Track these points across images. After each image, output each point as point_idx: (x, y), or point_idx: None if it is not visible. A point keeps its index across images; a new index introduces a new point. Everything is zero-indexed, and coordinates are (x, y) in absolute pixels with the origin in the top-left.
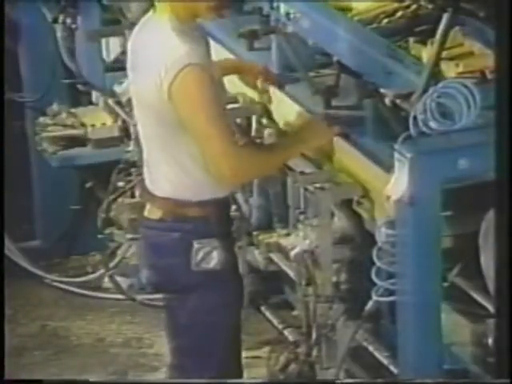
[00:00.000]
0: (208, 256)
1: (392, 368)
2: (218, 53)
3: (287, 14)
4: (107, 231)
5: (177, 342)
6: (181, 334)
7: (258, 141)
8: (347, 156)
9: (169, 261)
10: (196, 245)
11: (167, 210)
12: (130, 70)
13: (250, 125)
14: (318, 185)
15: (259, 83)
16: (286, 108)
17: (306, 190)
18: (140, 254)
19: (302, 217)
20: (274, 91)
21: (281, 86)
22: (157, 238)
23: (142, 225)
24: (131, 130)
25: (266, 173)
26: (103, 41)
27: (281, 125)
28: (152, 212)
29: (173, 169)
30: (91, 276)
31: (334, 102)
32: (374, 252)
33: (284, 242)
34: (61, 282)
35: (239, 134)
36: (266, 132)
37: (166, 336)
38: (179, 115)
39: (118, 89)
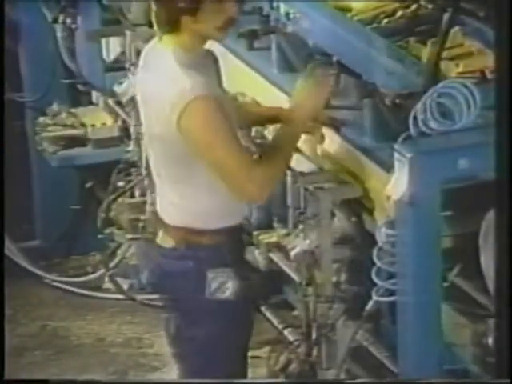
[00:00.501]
0: (223, 286)
1: (392, 368)
2: (219, 53)
3: (287, 14)
4: (107, 231)
5: (184, 364)
6: (190, 357)
7: (258, 141)
8: (347, 156)
9: (184, 288)
10: (210, 274)
11: (180, 239)
12: (140, 102)
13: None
14: (317, 185)
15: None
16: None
17: (306, 189)
18: (154, 280)
19: (302, 217)
20: (274, 92)
21: (335, 127)
22: (171, 266)
23: (156, 252)
24: (131, 130)
25: (283, 173)
26: (103, 41)
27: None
28: (165, 240)
29: (185, 198)
30: (91, 276)
31: (333, 102)
32: (375, 252)
33: (284, 241)
34: (61, 282)
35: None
36: (266, 132)
37: (173, 355)
38: (191, 147)
39: (118, 89)
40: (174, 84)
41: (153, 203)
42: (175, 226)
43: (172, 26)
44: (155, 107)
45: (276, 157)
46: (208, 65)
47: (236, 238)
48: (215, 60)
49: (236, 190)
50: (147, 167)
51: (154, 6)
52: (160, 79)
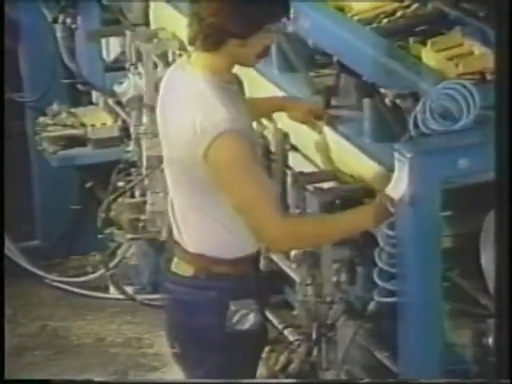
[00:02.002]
0: (244, 318)
1: (392, 368)
2: None
3: None
4: (107, 231)
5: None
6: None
7: (260, 140)
8: (347, 156)
9: (200, 320)
10: (233, 307)
11: (200, 267)
12: (161, 123)
13: None
14: (317, 185)
15: (309, 120)
16: None
17: (305, 189)
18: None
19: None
20: (274, 92)
21: (331, 124)
22: (188, 296)
23: (168, 280)
24: (131, 130)
25: (319, 243)
26: (103, 41)
27: (279, 124)
28: (181, 267)
29: (207, 226)
30: (91, 276)
31: (333, 102)
32: (376, 253)
33: None
34: (61, 282)
35: None
36: (265, 132)
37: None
38: (216, 179)
39: (118, 89)
40: (204, 111)
41: (153, 203)
42: (196, 253)
43: (215, 46)
44: (180, 130)
45: (318, 225)
46: (236, 90)
47: (257, 266)
48: (240, 83)
49: (254, 231)
50: (147, 167)
51: (197, 22)
52: (188, 102)
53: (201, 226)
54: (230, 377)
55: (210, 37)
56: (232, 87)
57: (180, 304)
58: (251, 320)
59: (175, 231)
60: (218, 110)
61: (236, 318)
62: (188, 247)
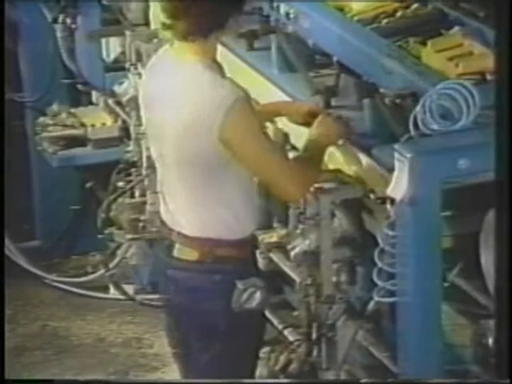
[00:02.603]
0: (251, 297)
1: (392, 368)
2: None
3: (287, 14)
4: (107, 231)
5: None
6: (199, 372)
7: None
8: (347, 156)
9: (207, 304)
10: (240, 285)
11: (205, 251)
12: (150, 113)
13: None
14: (317, 185)
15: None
16: None
17: None
18: (167, 295)
19: (302, 217)
20: (273, 92)
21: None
22: (193, 281)
23: (171, 267)
24: (131, 130)
25: (318, 178)
26: (103, 41)
27: (279, 124)
28: (185, 253)
29: (211, 209)
30: (91, 276)
31: (333, 102)
32: (376, 253)
33: (284, 242)
34: (61, 282)
35: None
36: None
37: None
38: (233, 151)
39: (118, 89)
40: (211, 89)
41: (153, 204)
42: (199, 237)
43: (201, 36)
44: (189, 120)
45: (312, 158)
46: (222, 71)
47: (254, 247)
48: (221, 67)
49: (277, 188)
50: (147, 167)
51: (182, 17)
52: (189, 88)
53: (204, 209)
54: (232, 361)
55: (196, 29)
56: (220, 69)
57: (185, 289)
58: (258, 298)
59: (171, 219)
60: (222, 83)
61: (244, 296)
62: (189, 232)
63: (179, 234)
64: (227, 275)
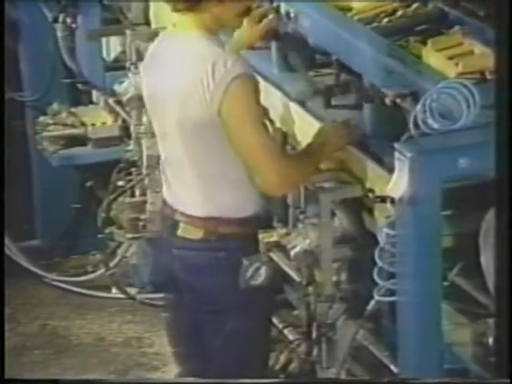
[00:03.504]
0: (256, 273)
1: (392, 368)
2: None
3: (287, 14)
4: (107, 230)
5: (206, 364)
6: (213, 356)
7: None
8: (347, 155)
9: (213, 281)
10: (245, 262)
11: (209, 230)
12: (155, 97)
13: None
14: (318, 184)
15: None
16: (284, 108)
17: (306, 189)
18: (168, 275)
19: (302, 216)
20: (274, 92)
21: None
22: (198, 259)
23: (176, 245)
24: (131, 129)
25: (308, 179)
26: (103, 40)
27: (278, 124)
28: (189, 231)
29: (215, 187)
30: (91, 275)
31: (333, 102)
32: (376, 252)
33: (284, 241)
34: (61, 282)
35: None
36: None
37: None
38: (227, 128)
39: (118, 88)
40: (212, 63)
41: (153, 203)
42: (203, 216)
43: (194, 4)
44: (191, 91)
45: (307, 159)
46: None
47: (259, 226)
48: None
49: (257, 172)
50: (147, 167)
51: None
52: (191, 61)
53: (207, 187)
54: (245, 341)
55: None
56: (222, 45)
57: (190, 267)
58: (263, 274)
59: (174, 199)
60: (225, 59)
61: (250, 272)
62: (193, 211)
63: (183, 213)
64: (232, 252)
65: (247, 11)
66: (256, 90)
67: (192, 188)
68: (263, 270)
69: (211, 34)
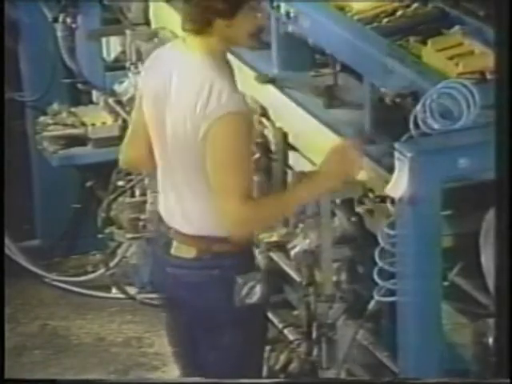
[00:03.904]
0: (251, 291)
1: (392, 368)
2: None
3: (287, 14)
4: (107, 230)
5: (200, 373)
6: (208, 369)
7: (259, 140)
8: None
9: (207, 299)
10: (239, 280)
11: (202, 248)
12: (155, 104)
13: None
14: None
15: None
16: (284, 108)
17: None
18: (166, 293)
19: (302, 216)
20: (273, 91)
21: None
22: (192, 277)
23: (170, 264)
24: None
25: (277, 220)
26: (103, 40)
27: (278, 124)
28: (182, 250)
29: (207, 206)
30: (91, 275)
31: (333, 102)
32: (376, 252)
33: (284, 241)
34: (61, 282)
35: None
36: (266, 131)
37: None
38: (206, 156)
39: (118, 88)
40: (209, 91)
41: (153, 203)
42: (195, 234)
43: (204, 27)
44: (186, 112)
45: (279, 203)
46: (232, 73)
47: (253, 243)
48: (232, 70)
49: (220, 213)
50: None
51: (184, 5)
52: (189, 84)
53: (200, 207)
54: (239, 356)
55: (198, 18)
56: (228, 70)
57: (184, 285)
58: (258, 293)
59: (169, 216)
60: (222, 90)
61: (244, 291)
62: (186, 230)
63: (176, 232)
64: (226, 270)
65: (260, 30)
66: (247, 129)
67: (185, 206)
68: (258, 288)
69: (216, 55)
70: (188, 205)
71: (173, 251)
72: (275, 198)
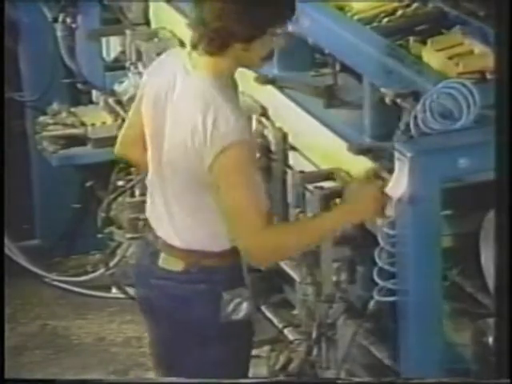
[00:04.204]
0: (238, 307)
1: (392, 368)
2: None
3: None
4: (107, 230)
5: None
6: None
7: (259, 140)
8: (347, 155)
9: (192, 313)
10: (226, 296)
11: (191, 261)
12: (157, 118)
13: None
14: (318, 184)
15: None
16: (284, 108)
17: (305, 189)
18: (154, 304)
19: (301, 216)
20: (273, 91)
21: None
22: (179, 290)
23: (156, 275)
24: None
25: (299, 249)
26: (103, 40)
27: (278, 124)
28: (171, 263)
29: (197, 221)
30: (91, 275)
31: (333, 102)
32: (376, 252)
33: None
34: (61, 281)
35: None
36: (266, 131)
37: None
38: (215, 185)
39: (118, 88)
40: (214, 118)
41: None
42: (185, 248)
43: (220, 50)
44: (188, 137)
45: (301, 230)
46: (236, 93)
47: (240, 257)
48: (237, 86)
49: (238, 239)
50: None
51: (199, 26)
52: (196, 107)
53: (190, 221)
54: (225, 371)
55: (215, 41)
56: (233, 91)
57: (170, 298)
58: (244, 309)
59: (158, 226)
60: (227, 118)
61: (230, 307)
62: (175, 242)
63: (165, 243)
64: (213, 285)
65: (273, 54)
66: (252, 156)
67: (174, 219)
68: (245, 306)
69: (223, 76)
70: (178, 219)
71: (160, 263)
72: (297, 225)
